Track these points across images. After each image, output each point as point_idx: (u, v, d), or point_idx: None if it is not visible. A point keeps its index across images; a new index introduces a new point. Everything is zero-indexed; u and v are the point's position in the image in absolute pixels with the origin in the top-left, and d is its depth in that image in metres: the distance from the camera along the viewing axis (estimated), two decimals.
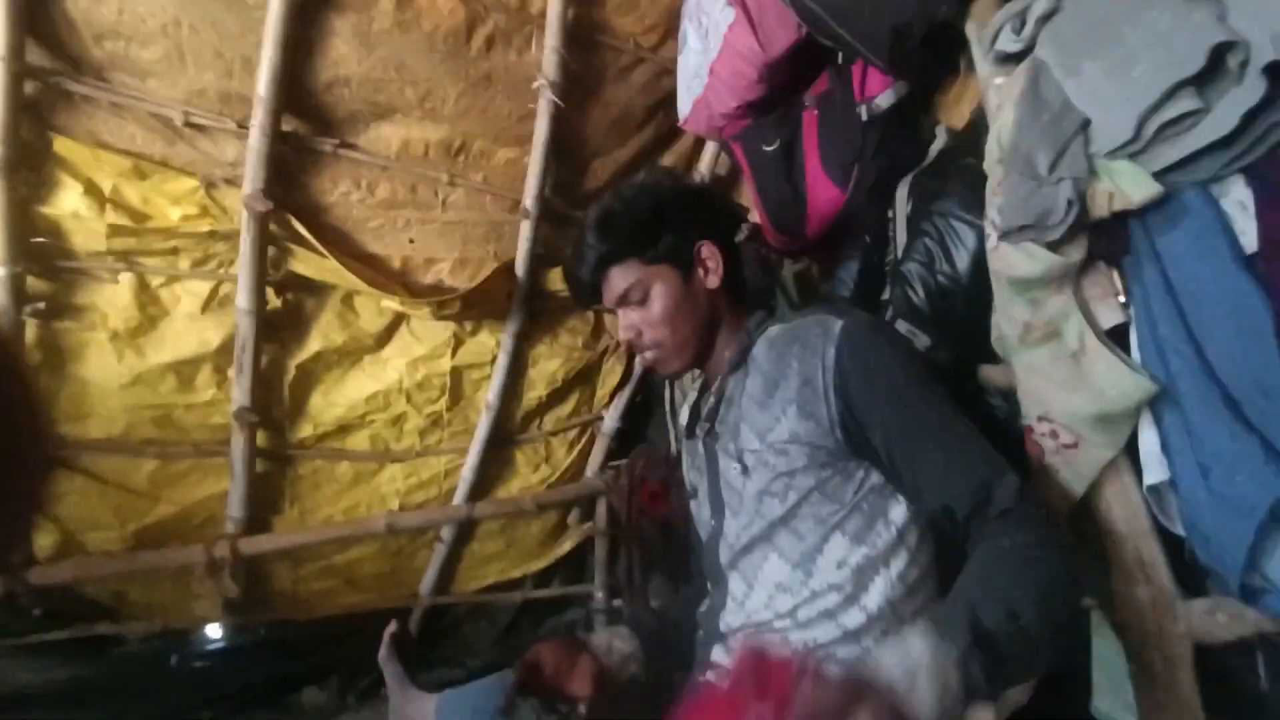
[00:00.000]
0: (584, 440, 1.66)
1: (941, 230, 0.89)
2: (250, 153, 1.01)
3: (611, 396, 1.64)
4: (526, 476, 1.61)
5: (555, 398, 1.56)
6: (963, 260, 0.86)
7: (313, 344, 1.25)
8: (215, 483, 1.28)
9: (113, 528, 1.23)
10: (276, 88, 0.97)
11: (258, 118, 0.99)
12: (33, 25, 0.86)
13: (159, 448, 1.20)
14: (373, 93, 1.05)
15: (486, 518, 1.58)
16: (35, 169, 0.92)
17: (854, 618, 0.66)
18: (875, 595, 0.66)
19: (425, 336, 1.36)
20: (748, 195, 1.18)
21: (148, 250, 1.04)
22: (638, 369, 1.62)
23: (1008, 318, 0.77)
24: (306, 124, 1.06)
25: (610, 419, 1.64)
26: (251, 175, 1.03)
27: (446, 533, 1.56)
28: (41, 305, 1.00)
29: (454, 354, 1.40)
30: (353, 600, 1.53)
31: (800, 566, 0.68)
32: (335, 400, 1.31)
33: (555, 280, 1.40)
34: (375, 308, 1.27)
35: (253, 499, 1.31)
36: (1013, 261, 0.73)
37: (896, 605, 0.66)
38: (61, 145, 0.93)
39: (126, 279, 1.06)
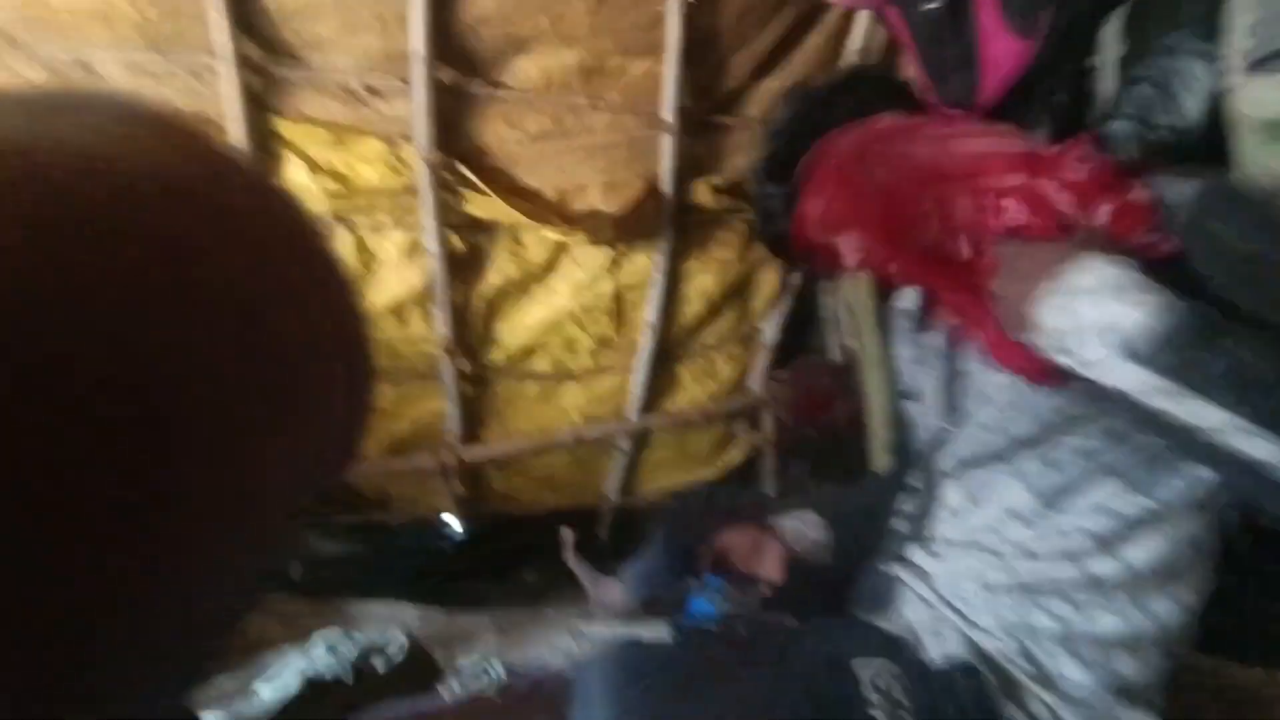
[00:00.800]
0: (745, 353, 1.66)
1: (1166, 71, 0.70)
2: (416, 107, 1.13)
3: (770, 307, 1.60)
4: (692, 390, 1.67)
5: (713, 312, 1.57)
6: (1192, 106, 0.67)
7: (492, 278, 1.39)
8: (436, 402, 1.53)
9: (371, 440, 1.55)
10: (428, 40, 1.06)
11: (417, 72, 1.09)
12: (242, 22, 1.02)
13: (392, 375, 1.46)
14: (509, 26, 1.09)
15: (657, 430, 1.68)
16: (267, 150, 1.13)
17: (1106, 566, 0.58)
18: (1144, 551, 0.57)
19: (585, 262, 1.44)
20: (909, 67, 1.03)
21: (356, 209, 1.23)
22: (793, 279, 1.55)
23: (1259, 173, 0.60)
24: (459, 71, 1.14)
25: (769, 331, 1.61)
26: (420, 129, 1.15)
27: (623, 443, 1.70)
28: None
29: (614, 276, 1.47)
30: (553, 499, 1.76)
31: (1050, 503, 0.60)
32: (516, 327, 1.47)
33: (702, 193, 1.38)
34: (539, 239, 1.37)
35: (465, 415, 1.55)
36: (1267, 100, 0.56)
37: (1173, 565, 0.57)
38: (281, 126, 1.13)
39: (346, 236, 1.27)
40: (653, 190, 1.34)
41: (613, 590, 1.44)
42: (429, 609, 1.55)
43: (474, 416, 1.58)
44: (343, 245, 1.27)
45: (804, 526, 0.81)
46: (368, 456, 1.55)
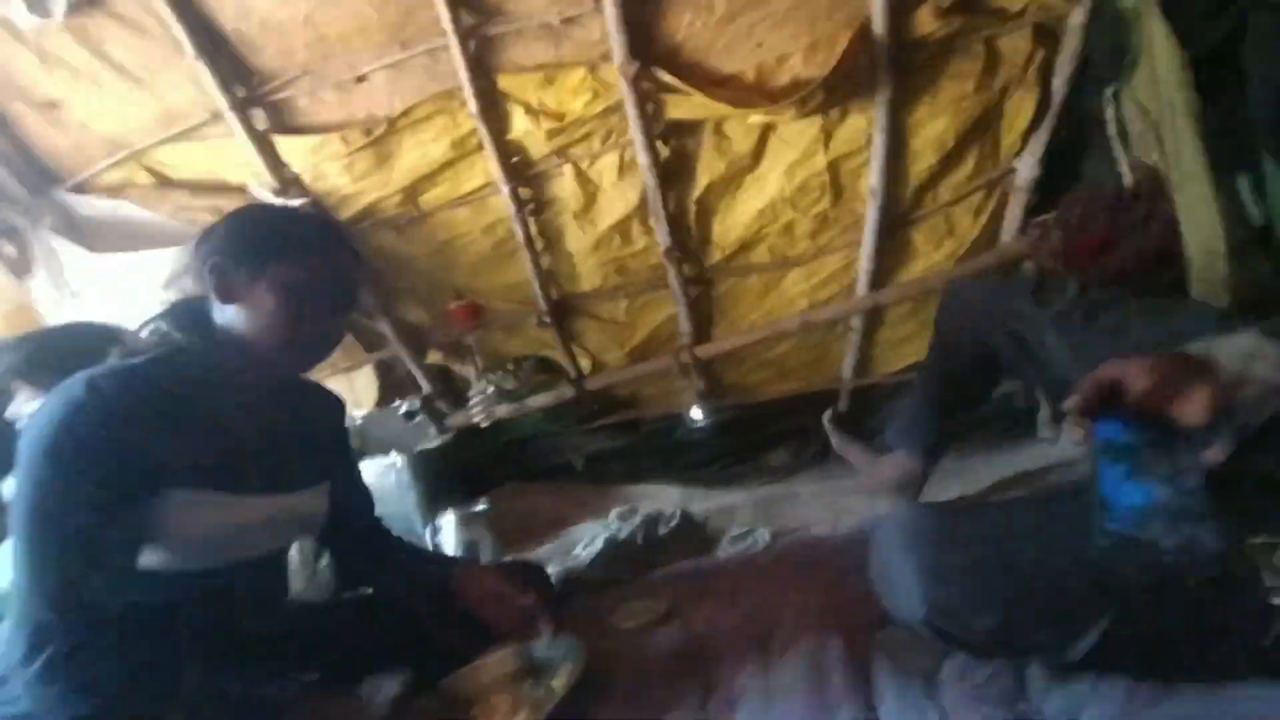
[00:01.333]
0: (993, 201, 1.44)
1: None
2: (608, 22, 1.14)
3: (1024, 140, 1.35)
4: (929, 255, 1.52)
5: (949, 162, 1.38)
6: None
7: (702, 179, 1.40)
8: (666, 308, 1.63)
9: (616, 350, 1.73)
10: None
11: None
12: None
13: (625, 289, 1.59)
14: None
15: (892, 304, 1.58)
16: (495, 107, 1.25)
17: None
18: None
19: (794, 140, 1.35)
20: None
21: (572, 141, 1.32)
22: (1057, 96, 1.26)
23: None
24: None
25: (1026, 168, 1.37)
26: (616, 44, 1.16)
27: (855, 322, 1.64)
28: (531, 205, 1.41)
29: (826, 148, 1.36)
30: (787, 386, 1.80)
31: None
32: (731, 224, 1.47)
33: (925, 21, 1.18)
34: (743, 127, 1.32)
35: (694, 316, 1.63)
36: None
37: None
38: (502, 81, 1.23)
39: (568, 170, 1.37)
40: (863, 37, 1.18)
41: (886, 462, 1.42)
42: (691, 489, 1.75)
43: (703, 316, 1.66)
44: (565, 180, 1.38)
45: (1253, 356, 0.56)
46: (614, 365, 1.74)
